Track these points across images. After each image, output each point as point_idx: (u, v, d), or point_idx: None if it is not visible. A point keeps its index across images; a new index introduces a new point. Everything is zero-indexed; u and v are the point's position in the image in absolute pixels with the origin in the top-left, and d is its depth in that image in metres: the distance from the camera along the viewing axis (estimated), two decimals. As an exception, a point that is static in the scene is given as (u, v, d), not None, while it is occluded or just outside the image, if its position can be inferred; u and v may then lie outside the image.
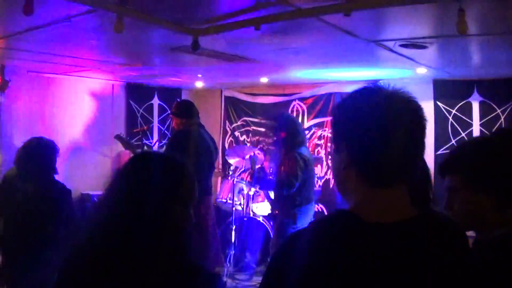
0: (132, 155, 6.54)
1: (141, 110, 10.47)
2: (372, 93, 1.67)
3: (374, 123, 1.59)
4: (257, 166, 8.31)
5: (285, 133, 6.88)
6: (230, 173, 9.38)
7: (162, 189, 2.11)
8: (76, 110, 9.24)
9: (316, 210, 9.07)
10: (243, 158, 9.17)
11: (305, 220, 6.98)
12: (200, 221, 6.42)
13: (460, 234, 1.66)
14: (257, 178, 7.49)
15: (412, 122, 1.62)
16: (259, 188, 8.45)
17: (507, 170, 2.27)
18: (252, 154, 8.39)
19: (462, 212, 2.33)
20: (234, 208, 8.62)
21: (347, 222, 1.60)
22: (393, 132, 1.58)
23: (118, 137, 7.02)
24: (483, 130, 8.21)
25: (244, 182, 9.13)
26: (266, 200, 8.93)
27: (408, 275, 1.48)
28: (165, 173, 2.17)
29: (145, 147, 9.04)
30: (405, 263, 1.50)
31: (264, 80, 9.60)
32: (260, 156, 9.02)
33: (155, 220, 2.05)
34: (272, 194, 7.52)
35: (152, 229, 2.03)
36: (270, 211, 7.86)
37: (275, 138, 7.07)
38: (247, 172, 9.77)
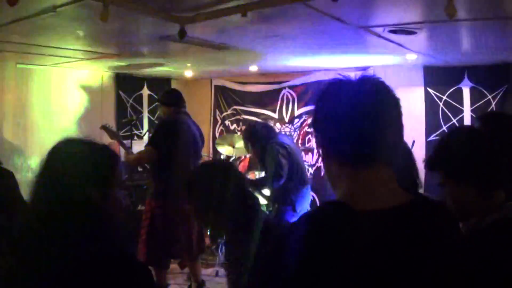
0: (119, 146, 6.57)
1: (130, 101, 10.43)
2: (340, 82, 1.71)
3: (343, 104, 1.62)
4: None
5: (252, 138, 6.94)
6: (221, 162, 9.36)
7: (79, 173, 2.07)
8: (65, 102, 9.18)
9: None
10: (233, 146, 9.15)
11: (304, 205, 6.98)
12: (183, 209, 6.42)
13: (453, 219, 1.68)
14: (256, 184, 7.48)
15: (383, 101, 1.65)
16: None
17: (482, 158, 2.37)
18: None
19: (453, 205, 2.43)
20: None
21: (337, 213, 1.58)
22: (364, 109, 1.60)
23: (104, 128, 6.97)
24: (474, 116, 8.20)
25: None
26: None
27: (402, 263, 1.47)
28: (83, 157, 2.14)
29: (135, 137, 9.00)
30: (398, 250, 1.48)
31: (253, 68, 9.57)
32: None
33: (75, 207, 2.00)
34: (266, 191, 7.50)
35: (73, 216, 1.98)
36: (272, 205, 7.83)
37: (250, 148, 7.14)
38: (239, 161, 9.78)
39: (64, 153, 2.16)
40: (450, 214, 1.72)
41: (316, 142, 1.77)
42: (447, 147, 2.51)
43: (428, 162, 2.55)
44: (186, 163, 6.50)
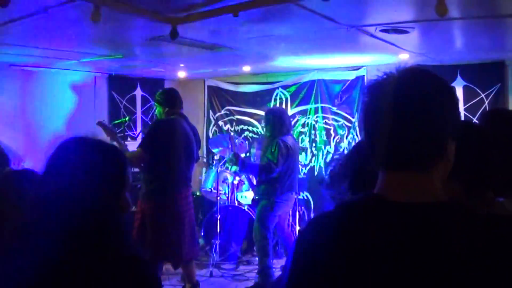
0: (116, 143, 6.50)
1: (124, 102, 10.41)
2: (387, 80, 1.64)
3: (384, 110, 1.58)
4: (241, 155, 8.32)
5: (271, 123, 7.10)
6: (214, 162, 9.37)
7: (85, 174, 2.00)
8: (58, 103, 9.17)
9: (302, 198, 9.12)
10: (227, 147, 9.15)
11: (283, 209, 7.12)
12: (178, 211, 6.40)
13: (483, 227, 1.59)
14: (241, 163, 7.49)
15: (425, 103, 1.56)
16: (240, 171, 8.45)
17: (471, 158, 2.21)
18: (233, 136, 8.47)
19: None
20: (218, 198, 8.58)
21: (376, 203, 1.61)
22: (405, 117, 1.55)
23: (100, 124, 6.90)
24: (467, 114, 8.22)
25: (228, 171, 9.12)
26: (250, 189, 8.95)
27: (434, 256, 1.46)
28: (88, 157, 2.07)
29: (128, 139, 8.99)
30: (431, 243, 1.48)
31: (246, 68, 9.59)
32: (244, 145, 9.04)
33: (78, 208, 1.93)
34: (254, 181, 7.61)
35: (78, 218, 1.92)
36: (254, 198, 7.98)
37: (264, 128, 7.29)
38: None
39: (68, 154, 2.10)
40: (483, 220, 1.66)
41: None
42: None
43: None
44: (178, 165, 6.46)
